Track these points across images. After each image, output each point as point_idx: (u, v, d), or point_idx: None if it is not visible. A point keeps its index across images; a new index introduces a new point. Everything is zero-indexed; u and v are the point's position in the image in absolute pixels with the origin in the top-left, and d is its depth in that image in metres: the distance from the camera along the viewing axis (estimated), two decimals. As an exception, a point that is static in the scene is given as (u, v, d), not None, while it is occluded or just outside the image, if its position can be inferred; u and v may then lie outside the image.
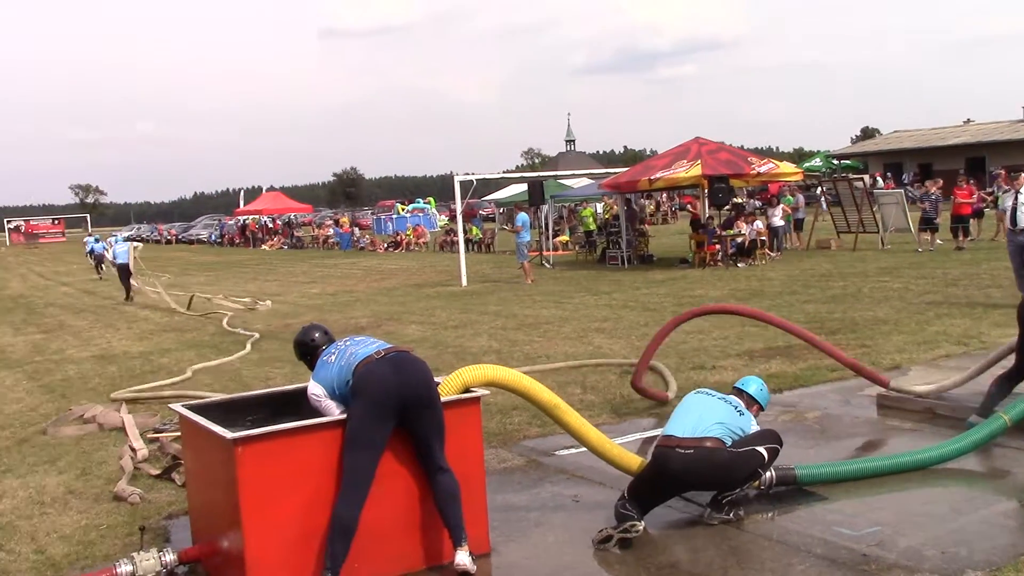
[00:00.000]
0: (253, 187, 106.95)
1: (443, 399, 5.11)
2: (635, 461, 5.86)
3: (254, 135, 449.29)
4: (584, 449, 6.13)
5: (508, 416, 8.29)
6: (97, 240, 36.80)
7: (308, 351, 5.44)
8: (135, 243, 26.19)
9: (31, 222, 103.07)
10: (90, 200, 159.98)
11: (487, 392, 5.52)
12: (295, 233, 56.24)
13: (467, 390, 5.42)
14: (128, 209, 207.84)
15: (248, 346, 13.78)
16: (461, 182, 23.55)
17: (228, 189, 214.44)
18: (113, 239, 25.44)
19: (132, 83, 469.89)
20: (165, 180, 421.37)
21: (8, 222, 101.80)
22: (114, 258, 24.48)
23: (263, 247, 53.71)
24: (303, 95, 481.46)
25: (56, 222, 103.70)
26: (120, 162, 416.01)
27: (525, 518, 5.85)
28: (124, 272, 23.54)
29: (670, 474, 5.38)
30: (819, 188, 30.44)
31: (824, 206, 27.84)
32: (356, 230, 50.97)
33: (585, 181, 35.33)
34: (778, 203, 25.83)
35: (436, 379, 5.19)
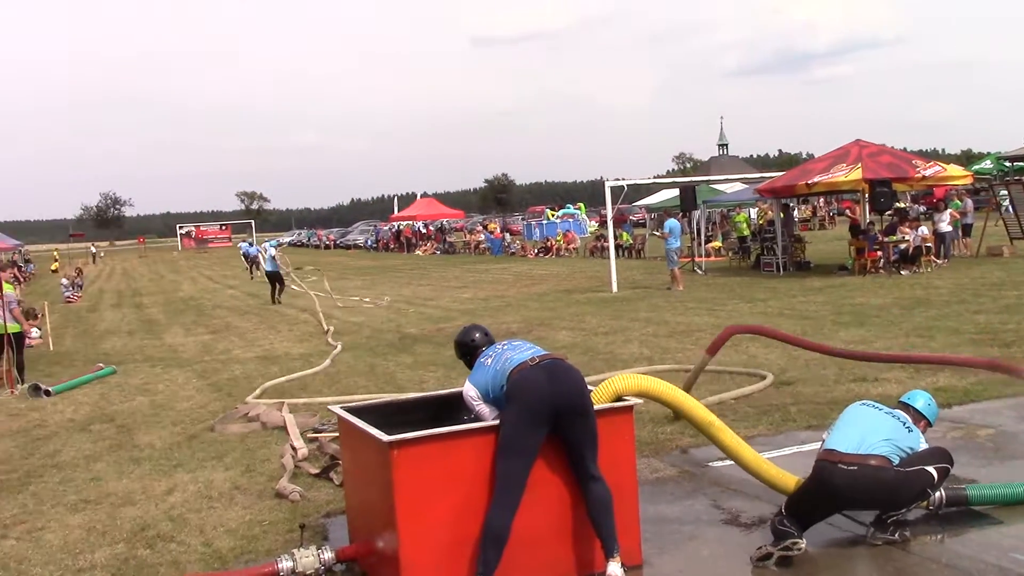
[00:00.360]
0: (407, 193, 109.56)
1: (596, 407, 5.06)
2: (792, 481, 5.64)
3: (409, 143, 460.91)
4: (740, 461, 5.97)
5: (660, 425, 8.17)
6: (251, 244, 38.79)
7: (468, 351, 5.48)
8: (278, 243, 27.82)
9: (201, 228, 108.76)
10: (255, 207, 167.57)
11: (640, 401, 5.45)
12: (447, 238, 57.23)
13: (619, 399, 5.36)
14: (289, 215, 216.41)
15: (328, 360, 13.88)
16: (612, 187, 23.42)
17: (383, 195, 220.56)
18: (267, 244, 26.92)
19: (295, 94, 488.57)
20: (324, 187, 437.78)
21: (180, 228, 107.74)
22: (264, 264, 26.24)
23: (416, 252, 54.84)
24: (456, 102, 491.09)
25: (223, 228, 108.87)
26: (283, 170, 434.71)
27: (678, 531, 5.73)
28: (273, 278, 25.09)
29: (831, 491, 5.15)
30: (990, 192, 28.86)
31: (1003, 210, 26.36)
32: (507, 236, 51.45)
33: (739, 186, 34.59)
34: (945, 208, 24.62)
35: (589, 387, 5.14)
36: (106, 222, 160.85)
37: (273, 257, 25.08)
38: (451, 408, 5.67)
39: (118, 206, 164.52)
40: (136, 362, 15.20)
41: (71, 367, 15.10)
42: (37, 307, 18.94)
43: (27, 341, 15.20)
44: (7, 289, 13.97)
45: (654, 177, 66.41)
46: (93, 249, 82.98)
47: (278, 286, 25.05)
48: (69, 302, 31.32)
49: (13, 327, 13.47)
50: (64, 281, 35.17)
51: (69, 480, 7.90)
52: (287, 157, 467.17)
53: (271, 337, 17.45)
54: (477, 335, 5.51)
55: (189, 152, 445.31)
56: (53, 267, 53.18)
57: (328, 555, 5.22)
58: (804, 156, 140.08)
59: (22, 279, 40.63)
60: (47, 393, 12.25)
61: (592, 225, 59.17)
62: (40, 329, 19.00)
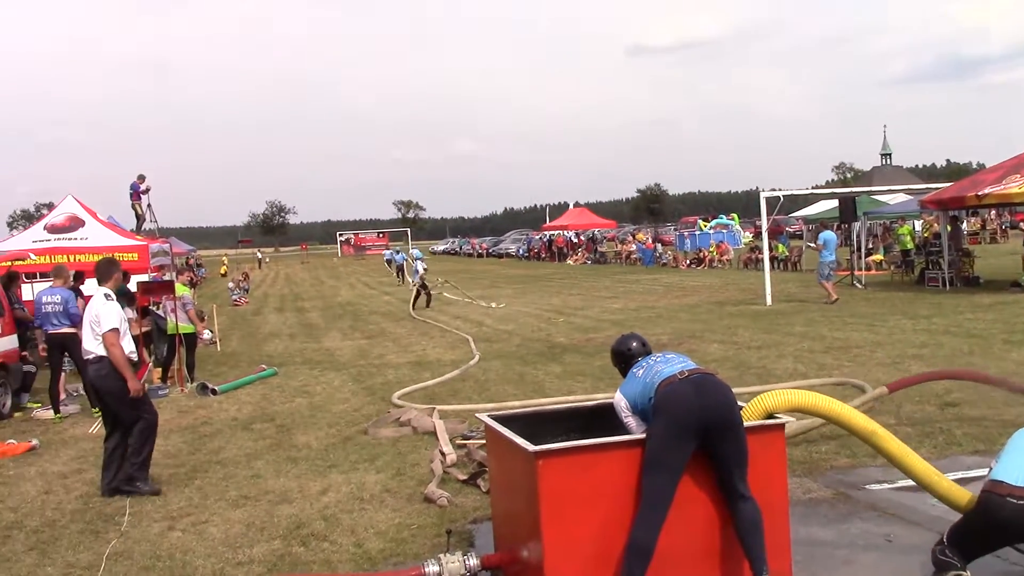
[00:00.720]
0: (559, 203, 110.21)
1: (746, 424, 4.94)
2: (964, 497, 5.30)
3: (562, 152, 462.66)
4: (899, 485, 5.72)
5: (814, 444, 7.91)
6: (397, 252, 40.06)
7: (623, 360, 5.45)
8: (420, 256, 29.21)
9: (359, 235, 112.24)
10: (411, 215, 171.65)
11: (792, 419, 5.28)
12: (598, 248, 57.15)
13: (771, 416, 5.21)
14: (444, 224, 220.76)
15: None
16: (767, 198, 22.88)
17: (536, 205, 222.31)
18: (415, 252, 28.10)
19: (452, 105, 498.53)
20: (479, 196, 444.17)
21: (340, 235, 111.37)
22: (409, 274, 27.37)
23: (567, 261, 54.98)
24: (610, 112, 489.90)
25: (381, 235, 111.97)
26: (439, 179, 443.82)
27: (832, 555, 5.53)
28: (421, 289, 26.44)
29: (1000, 525, 4.80)
30: None
31: None
32: (658, 246, 50.98)
33: (902, 197, 33.19)
34: None
35: (739, 403, 5.03)
36: (271, 229, 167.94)
37: (418, 271, 26.85)
38: (599, 419, 5.64)
39: (283, 214, 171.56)
40: (296, 364, 15.78)
41: (236, 367, 15.81)
42: (205, 310, 19.92)
43: (199, 342, 16.06)
44: (183, 291, 14.78)
45: (812, 187, 64.52)
46: (259, 255, 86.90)
47: (424, 296, 26.34)
48: (236, 305, 32.83)
49: (186, 327, 14.24)
50: (231, 285, 36.93)
51: (231, 476, 8.26)
52: (444, 167, 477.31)
53: (424, 343, 17.80)
54: (634, 344, 5.46)
55: (351, 162, 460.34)
56: (222, 271, 55.91)
57: (473, 562, 5.27)
58: (974, 166, 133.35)
59: (196, 282, 42.83)
60: (213, 392, 12.86)
61: (746, 236, 57.95)
62: (211, 332, 20.01)
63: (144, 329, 15.62)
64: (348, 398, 12.08)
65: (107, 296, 7.94)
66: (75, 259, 15.41)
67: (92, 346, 7.87)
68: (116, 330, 7.80)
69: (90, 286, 11.26)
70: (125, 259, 16.69)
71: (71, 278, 13.09)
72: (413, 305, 25.66)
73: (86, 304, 11.99)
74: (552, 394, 11.13)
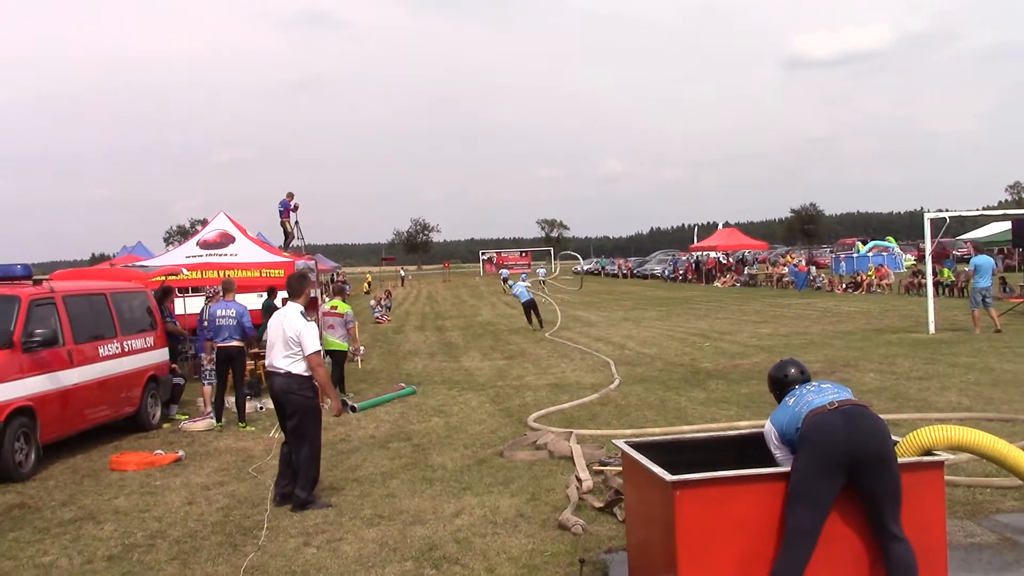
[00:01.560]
0: (708, 223, 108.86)
1: (900, 460, 4.74)
2: None
3: (712, 170, 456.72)
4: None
5: (978, 484, 7.51)
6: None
7: (779, 387, 5.29)
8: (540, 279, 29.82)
9: (502, 254, 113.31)
10: (554, 234, 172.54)
11: (952, 456, 5.04)
12: (748, 270, 56.06)
13: (928, 452, 4.99)
14: (588, 243, 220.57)
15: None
16: (932, 219, 22.00)
17: (683, 224, 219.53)
18: (522, 276, 28.59)
19: (600, 122, 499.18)
20: (624, 215, 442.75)
21: (483, 254, 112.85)
22: (518, 296, 28.12)
23: (715, 284, 54.14)
24: (764, 128, 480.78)
25: (524, 254, 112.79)
26: (585, 198, 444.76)
27: (995, 605, 5.24)
28: (528, 306, 27.17)
29: None
30: None
31: None
32: (813, 269, 49.64)
33: (1085, 219, 31.35)
34: None
35: (894, 437, 4.83)
36: (415, 247, 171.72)
37: (524, 289, 27.38)
38: (743, 450, 5.54)
39: (426, 232, 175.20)
40: (434, 384, 16.04)
41: (376, 384, 16.19)
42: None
43: (354, 356, 16.63)
44: (345, 308, 15.33)
45: (982, 209, 61.75)
46: (402, 272, 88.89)
47: (533, 314, 27.07)
48: (378, 323, 33.65)
49: (341, 345, 14.86)
50: (373, 302, 37.87)
51: (367, 495, 8.44)
52: (590, 185, 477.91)
53: (563, 365, 17.81)
54: (792, 371, 5.31)
55: (496, 180, 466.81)
56: (365, 288, 57.47)
57: (606, 593, 5.22)
58: None
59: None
60: (353, 409, 13.19)
61: (908, 260, 55.82)
62: (362, 348, 20.68)
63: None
64: (485, 419, 12.20)
65: (303, 315, 8.24)
66: (224, 274, 16.12)
67: (282, 362, 8.11)
68: (319, 352, 8.10)
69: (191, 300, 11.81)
70: (271, 275, 17.41)
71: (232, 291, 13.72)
72: (540, 324, 26.54)
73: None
74: (694, 422, 10.96)
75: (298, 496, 8.04)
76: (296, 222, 25.32)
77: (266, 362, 8.45)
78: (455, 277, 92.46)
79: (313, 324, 8.20)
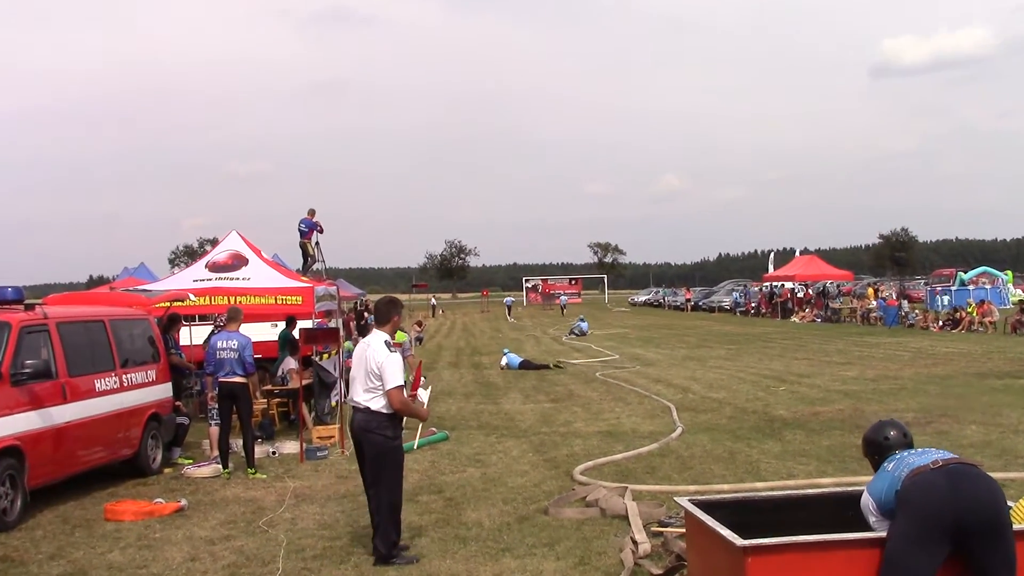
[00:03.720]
0: (784, 249, 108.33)
1: (1016, 528, 4.64)
2: None
3: (789, 190, 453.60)
4: None
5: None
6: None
7: (877, 450, 5.22)
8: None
9: (548, 282, 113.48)
10: (608, 259, 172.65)
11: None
12: (831, 304, 55.59)
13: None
14: (647, 270, 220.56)
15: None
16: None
17: (756, 251, 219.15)
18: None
19: (658, 136, 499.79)
20: (687, 239, 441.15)
21: (526, 281, 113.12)
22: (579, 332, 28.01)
23: (792, 319, 53.75)
24: (848, 143, 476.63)
25: (574, 282, 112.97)
26: (642, 219, 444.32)
27: None
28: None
29: None
30: None
31: None
32: (904, 303, 49.14)
33: None
34: None
35: (1008, 502, 4.73)
36: (449, 272, 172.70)
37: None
38: (825, 512, 5.45)
39: (463, 255, 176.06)
40: (470, 428, 16.02)
41: (404, 429, 16.17)
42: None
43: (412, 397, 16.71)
44: (401, 338, 15.42)
45: (1103, 236, 60.73)
46: (433, 301, 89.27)
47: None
48: (407, 357, 33.80)
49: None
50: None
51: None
52: (644, 204, 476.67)
53: (617, 410, 17.73)
54: (892, 433, 5.22)
55: (541, 198, 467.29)
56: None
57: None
58: None
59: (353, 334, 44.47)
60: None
61: (1016, 294, 55.10)
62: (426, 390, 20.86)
63: (305, 382, 16.31)
64: (527, 470, 12.14)
65: (388, 345, 8.44)
66: (235, 300, 16.20)
67: (362, 396, 8.37)
68: (402, 387, 8.34)
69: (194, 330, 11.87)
70: (288, 303, 17.52)
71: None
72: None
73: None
74: (768, 477, 10.85)
75: (378, 550, 8.21)
76: (317, 243, 25.55)
77: (349, 396, 8.77)
78: (495, 307, 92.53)
79: (398, 356, 8.43)
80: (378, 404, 8.24)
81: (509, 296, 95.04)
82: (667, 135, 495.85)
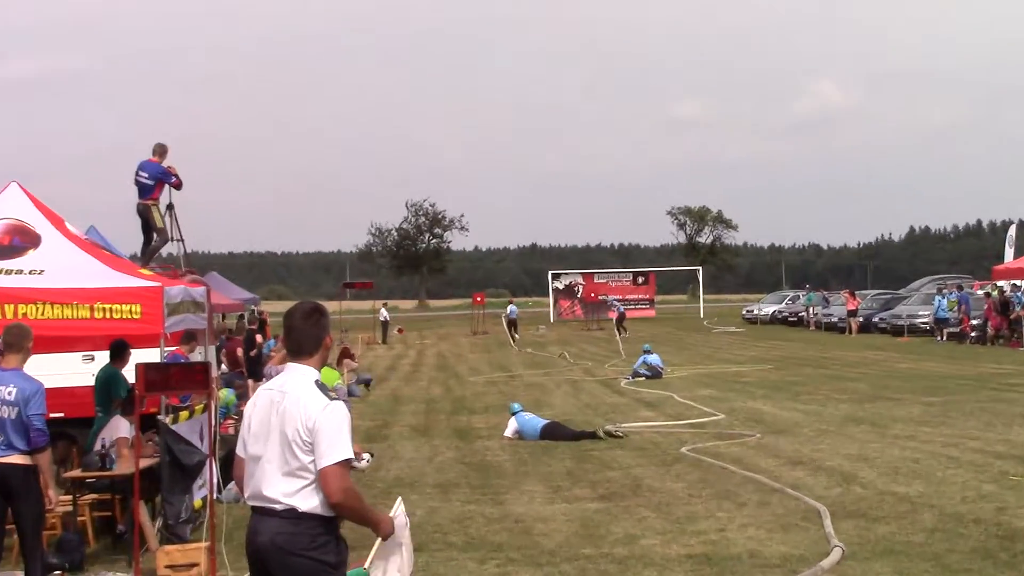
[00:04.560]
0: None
1: None
2: None
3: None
4: None
5: None
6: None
7: None
8: None
9: (595, 279, 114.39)
10: (705, 238, 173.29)
11: None
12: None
13: None
14: (776, 257, 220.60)
15: None
16: None
17: (980, 223, 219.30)
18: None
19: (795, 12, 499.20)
20: (852, 202, 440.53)
21: (554, 278, 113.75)
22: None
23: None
24: None
25: (640, 280, 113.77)
26: (766, 167, 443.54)
27: None
28: None
29: None
30: None
31: None
32: None
33: None
34: None
35: None
36: (414, 260, 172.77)
37: None
38: None
39: (439, 229, 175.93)
40: (450, 549, 16.00)
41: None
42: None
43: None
44: (335, 379, 15.40)
45: None
46: (384, 315, 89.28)
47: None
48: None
49: None
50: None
51: None
52: (782, 138, 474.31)
53: (722, 516, 17.66)
54: None
55: (580, 124, 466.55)
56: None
57: None
58: None
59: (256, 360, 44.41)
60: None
61: None
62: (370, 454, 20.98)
63: (145, 463, 16.18)
64: None
65: (323, 388, 8.31)
66: (16, 313, 16.05)
67: (277, 488, 8.13)
68: (349, 461, 8.16)
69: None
70: (114, 315, 17.37)
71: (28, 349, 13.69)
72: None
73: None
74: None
75: None
76: (171, 208, 25.38)
77: (249, 491, 8.44)
78: (494, 324, 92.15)
79: (343, 408, 8.28)
80: (309, 503, 8.06)
81: (512, 305, 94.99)
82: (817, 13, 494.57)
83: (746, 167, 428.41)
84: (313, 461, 7.97)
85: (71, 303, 16.82)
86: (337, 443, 7.98)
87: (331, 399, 8.15)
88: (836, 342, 68.96)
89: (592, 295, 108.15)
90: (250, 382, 33.23)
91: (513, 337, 77.53)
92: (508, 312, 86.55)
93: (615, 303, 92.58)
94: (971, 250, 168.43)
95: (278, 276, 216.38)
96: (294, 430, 8.03)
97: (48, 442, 13.23)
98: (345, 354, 42.95)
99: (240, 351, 37.87)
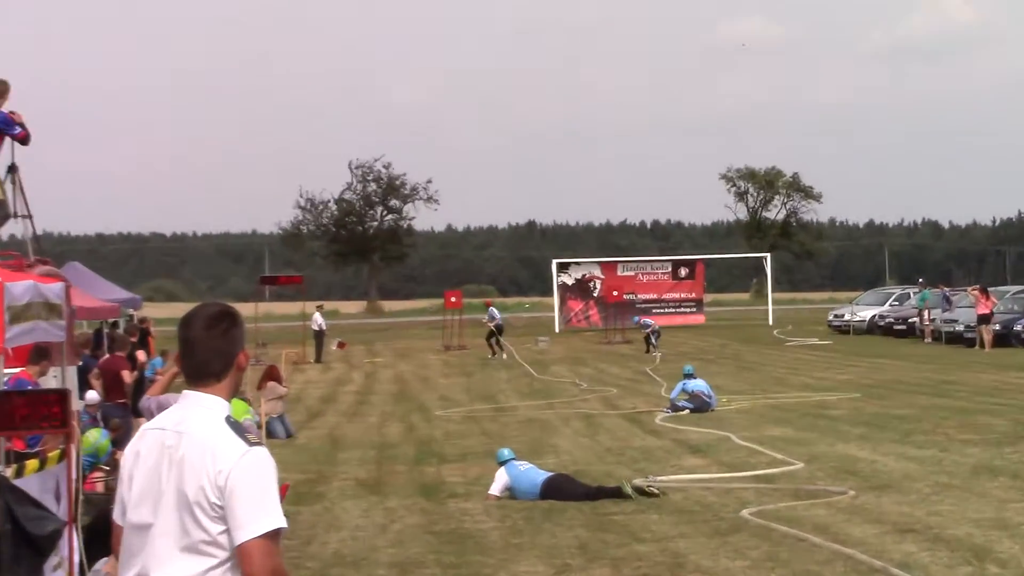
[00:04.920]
0: None
1: None
2: None
3: None
4: None
5: None
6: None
7: None
8: None
9: (618, 271, 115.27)
10: (774, 214, 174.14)
11: None
12: None
13: None
14: (878, 237, 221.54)
15: None
16: None
17: None
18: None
19: None
20: (982, 167, 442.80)
21: (560, 271, 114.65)
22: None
23: None
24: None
25: (684, 273, 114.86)
26: (857, 115, 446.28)
27: None
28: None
29: None
30: None
31: None
32: None
33: None
34: None
35: None
36: (361, 244, 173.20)
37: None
38: None
39: (395, 199, 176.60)
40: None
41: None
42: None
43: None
44: (244, 413, 15.39)
45: None
46: (320, 322, 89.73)
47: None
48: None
49: None
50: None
51: None
52: (874, 71, 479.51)
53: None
54: None
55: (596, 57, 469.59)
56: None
57: None
58: None
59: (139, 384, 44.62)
60: None
61: None
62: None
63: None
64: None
65: (238, 429, 8.09)
66: None
67: (179, 571, 7.90)
68: (279, 533, 7.90)
69: None
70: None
71: None
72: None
73: None
74: None
75: None
76: (12, 169, 25.37)
77: (138, 571, 8.16)
78: (473, 335, 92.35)
79: (264, 454, 8.02)
80: None
81: (493, 308, 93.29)
82: None
83: (833, 113, 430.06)
84: (226, 532, 7.74)
85: None
86: (262, 507, 7.72)
87: (250, 444, 7.88)
88: (962, 359, 69.35)
89: (614, 294, 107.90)
90: (133, 419, 33.23)
91: (494, 352, 77.81)
92: (489, 317, 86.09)
93: (648, 323, 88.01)
94: None
95: (167, 267, 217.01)
96: (198, 489, 7.76)
97: None
98: (270, 375, 42.79)
99: (127, 373, 37.76)
